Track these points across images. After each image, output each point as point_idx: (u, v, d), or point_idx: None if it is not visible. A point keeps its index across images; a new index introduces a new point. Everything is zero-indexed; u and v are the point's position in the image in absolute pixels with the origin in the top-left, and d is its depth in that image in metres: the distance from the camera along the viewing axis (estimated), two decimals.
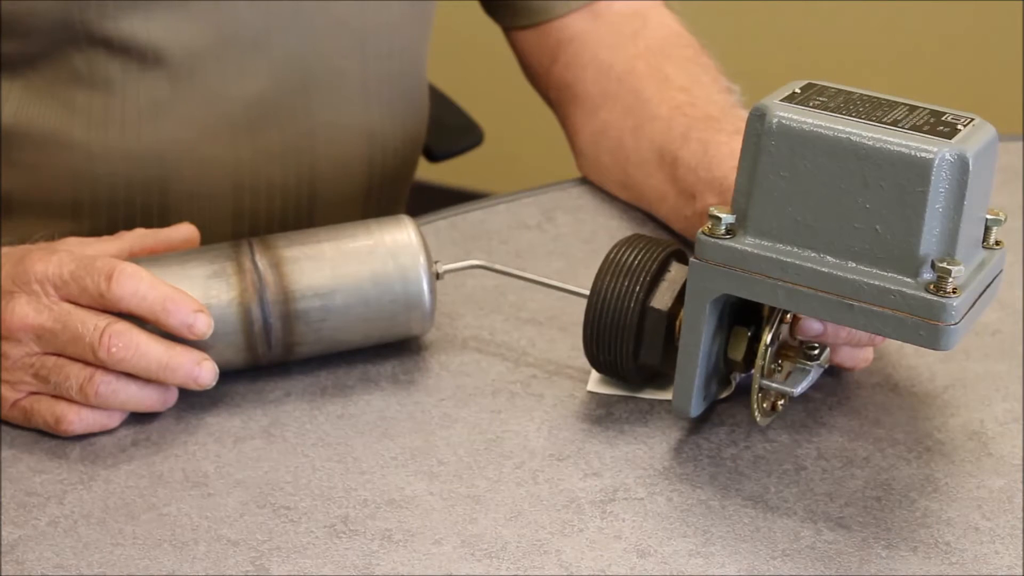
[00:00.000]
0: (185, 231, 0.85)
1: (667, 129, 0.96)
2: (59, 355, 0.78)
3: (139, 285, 0.78)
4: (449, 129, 1.38)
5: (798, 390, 0.78)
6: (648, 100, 0.99)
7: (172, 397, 0.80)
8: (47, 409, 0.79)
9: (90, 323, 0.77)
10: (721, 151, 0.90)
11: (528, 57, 1.08)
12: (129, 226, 0.89)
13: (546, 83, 1.08)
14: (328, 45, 0.99)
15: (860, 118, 0.71)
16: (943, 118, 0.72)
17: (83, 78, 0.93)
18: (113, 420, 0.80)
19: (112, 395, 0.78)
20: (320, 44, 0.99)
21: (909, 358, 0.87)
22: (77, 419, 0.79)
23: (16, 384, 0.79)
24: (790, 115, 0.71)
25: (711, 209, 0.73)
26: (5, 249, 0.81)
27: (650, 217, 1.01)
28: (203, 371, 0.79)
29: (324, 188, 1.02)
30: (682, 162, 0.93)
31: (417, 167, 1.13)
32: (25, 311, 0.78)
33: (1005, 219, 0.75)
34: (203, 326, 0.78)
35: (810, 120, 0.71)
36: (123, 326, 0.78)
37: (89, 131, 0.94)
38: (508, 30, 1.09)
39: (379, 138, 1.03)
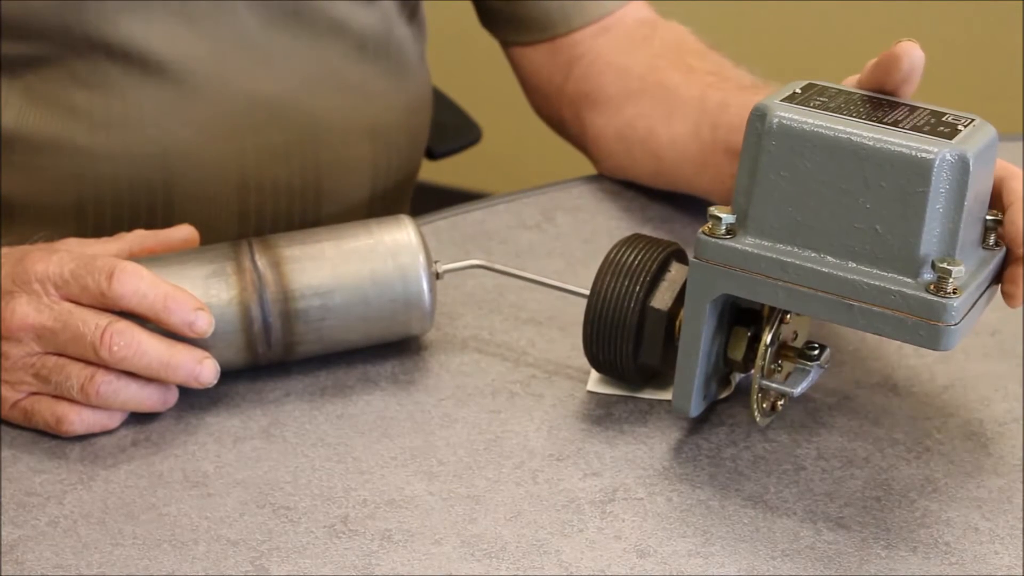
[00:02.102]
0: (185, 232, 0.85)
1: (701, 104, 0.96)
2: (60, 355, 0.78)
3: (140, 283, 0.78)
4: (447, 128, 1.38)
5: (798, 390, 0.78)
6: (676, 87, 0.99)
7: (173, 397, 0.80)
8: (47, 409, 0.79)
9: (91, 322, 0.77)
10: None
11: (537, 77, 1.08)
12: (134, 229, 0.89)
13: (559, 101, 1.07)
14: (328, 46, 0.99)
15: (861, 118, 0.71)
16: (943, 118, 0.72)
17: (84, 81, 0.93)
18: (114, 420, 0.80)
19: (113, 395, 0.78)
20: (320, 45, 0.99)
21: (909, 358, 0.87)
22: (78, 419, 0.79)
23: (16, 384, 0.79)
24: (791, 115, 0.71)
25: (711, 209, 0.73)
26: (5, 249, 0.81)
27: (650, 218, 1.01)
28: (204, 369, 0.79)
29: (329, 187, 1.02)
30: (723, 126, 0.93)
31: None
32: (25, 311, 0.78)
33: None
34: (204, 324, 0.78)
35: (811, 120, 0.71)
36: (124, 325, 0.78)
37: (92, 134, 0.94)
38: (511, 46, 1.08)
39: (383, 136, 1.03)
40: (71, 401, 0.78)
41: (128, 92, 0.93)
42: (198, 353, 0.79)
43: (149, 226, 0.93)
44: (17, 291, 0.78)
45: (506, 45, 1.09)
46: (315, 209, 1.01)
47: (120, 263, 0.78)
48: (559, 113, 1.08)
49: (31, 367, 0.78)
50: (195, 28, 0.93)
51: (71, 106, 0.93)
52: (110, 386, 0.78)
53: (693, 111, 0.97)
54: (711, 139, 0.94)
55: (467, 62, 2.02)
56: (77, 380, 0.78)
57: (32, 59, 0.92)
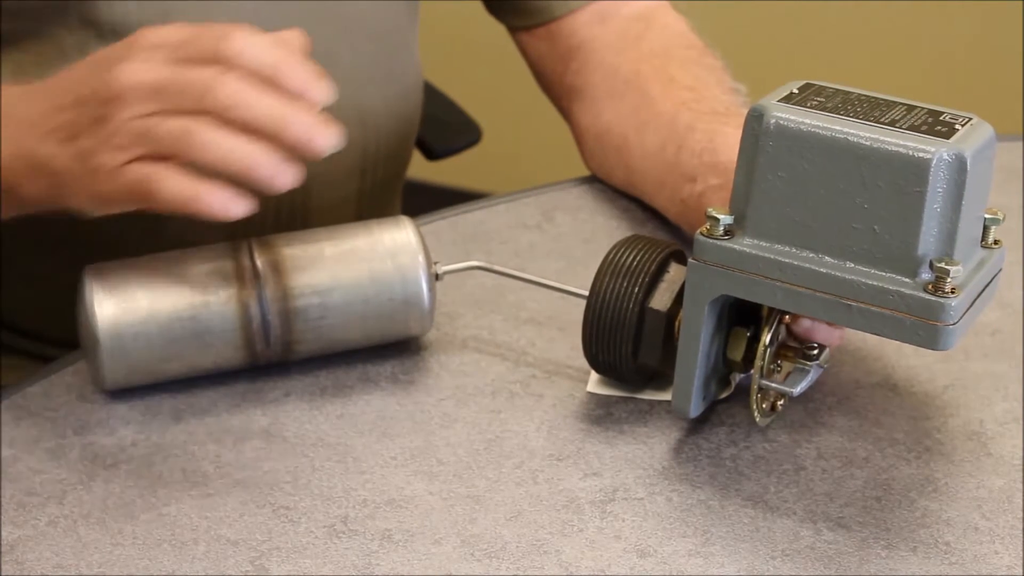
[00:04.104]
0: (293, 35, 0.80)
1: (672, 122, 0.96)
2: (167, 113, 0.75)
3: (255, 42, 0.74)
4: (447, 127, 1.39)
5: (797, 390, 0.78)
6: (654, 98, 0.99)
7: (285, 180, 0.74)
8: (143, 169, 0.75)
9: (206, 72, 0.74)
10: (728, 140, 0.90)
11: (540, 64, 1.09)
12: (121, 217, 0.88)
13: (559, 91, 1.08)
14: (317, 29, 0.99)
15: (858, 118, 0.71)
16: (941, 118, 0.72)
17: (74, 61, 0.93)
18: (205, 194, 0.74)
19: (214, 143, 0.73)
20: (309, 28, 0.98)
21: (909, 358, 0.87)
22: (170, 176, 0.74)
23: (120, 147, 0.75)
24: (788, 115, 0.71)
25: (709, 210, 0.73)
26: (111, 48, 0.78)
27: (650, 218, 1.01)
28: (323, 130, 0.73)
29: (317, 173, 1.01)
30: (686, 149, 0.93)
31: (416, 165, 1.13)
32: (137, 67, 0.75)
33: (1003, 218, 0.75)
34: (321, 92, 0.75)
35: (808, 120, 0.71)
36: (237, 75, 0.74)
37: None
38: (514, 31, 1.09)
39: (371, 121, 1.03)
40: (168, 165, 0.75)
41: None
42: (316, 116, 0.74)
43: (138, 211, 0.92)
44: (126, 61, 0.76)
45: (511, 31, 1.09)
46: (303, 199, 1.01)
47: (233, 26, 0.75)
48: (559, 103, 1.09)
49: (134, 130, 0.75)
50: (184, 8, 0.93)
51: None
52: (212, 133, 0.73)
53: (664, 127, 0.97)
54: (674, 160, 0.94)
55: (467, 62, 2.02)
56: (176, 132, 0.74)
57: (21, 34, 0.92)
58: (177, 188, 0.74)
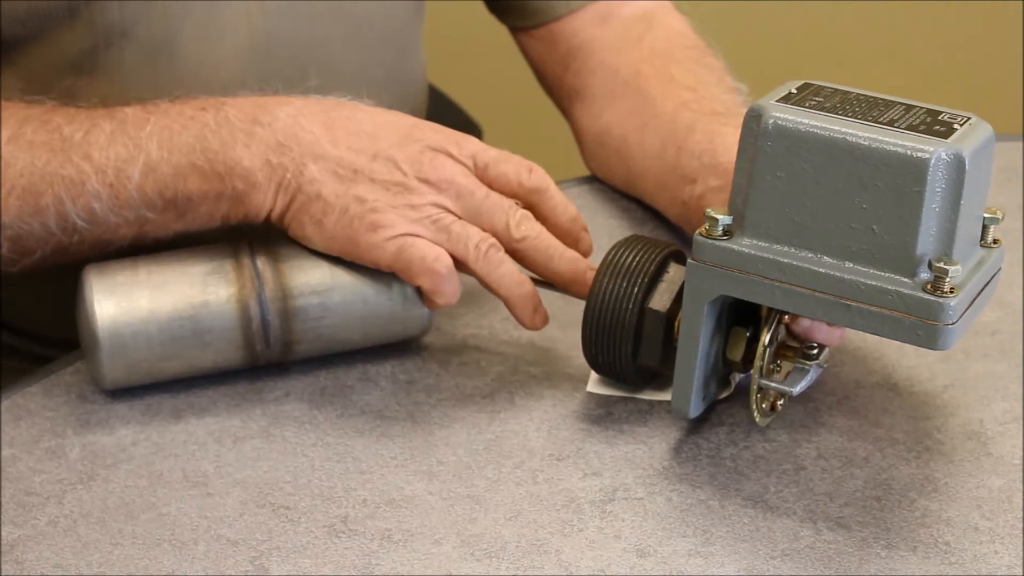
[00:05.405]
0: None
1: (672, 122, 0.96)
2: (461, 218, 0.82)
3: (552, 184, 0.84)
4: (447, 127, 1.38)
5: (797, 389, 0.78)
6: (654, 99, 0.99)
7: (540, 322, 0.83)
8: (428, 247, 0.81)
9: (507, 200, 0.83)
10: (727, 141, 0.90)
11: (541, 64, 1.09)
12: None
13: (560, 92, 1.08)
14: (326, 31, 0.99)
15: (856, 118, 0.71)
16: (939, 117, 0.72)
17: (82, 66, 0.93)
18: (455, 295, 0.82)
19: (498, 263, 0.82)
20: (318, 30, 0.99)
21: (909, 358, 0.87)
22: (453, 273, 0.81)
23: (412, 220, 0.81)
24: (786, 115, 0.71)
25: (708, 210, 0.73)
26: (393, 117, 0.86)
27: (650, 218, 1.01)
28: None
29: None
30: (686, 151, 0.94)
31: None
32: (455, 170, 0.82)
33: (1003, 217, 0.75)
34: (587, 246, 0.87)
35: (806, 120, 0.71)
36: (529, 213, 0.83)
37: None
38: (515, 31, 1.09)
39: None
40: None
41: (123, 78, 0.93)
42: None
43: None
44: (444, 154, 0.83)
45: (512, 31, 1.10)
46: None
47: (534, 164, 0.85)
48: (560, 103, 1.09)
49: (433, 216, 0.81)
50: (192, 13, 0.93)
51: (68, 91, 0.93)
52: (499, 253, 0.82)
53: (664, 128, 0.97)
54: (674, 161, 0.95)
55: (467, 62, 2.02)
56: (474, 239, 0.81)
57: (29, 39, 0.92)
58: (452, 281, 0.82)
